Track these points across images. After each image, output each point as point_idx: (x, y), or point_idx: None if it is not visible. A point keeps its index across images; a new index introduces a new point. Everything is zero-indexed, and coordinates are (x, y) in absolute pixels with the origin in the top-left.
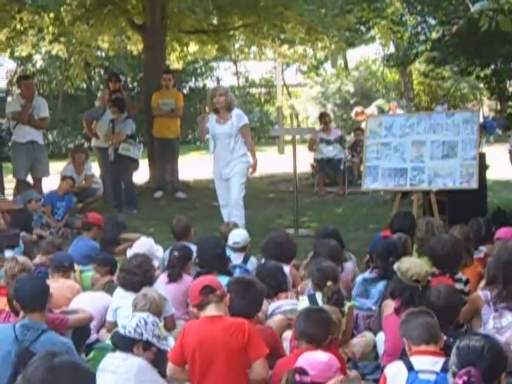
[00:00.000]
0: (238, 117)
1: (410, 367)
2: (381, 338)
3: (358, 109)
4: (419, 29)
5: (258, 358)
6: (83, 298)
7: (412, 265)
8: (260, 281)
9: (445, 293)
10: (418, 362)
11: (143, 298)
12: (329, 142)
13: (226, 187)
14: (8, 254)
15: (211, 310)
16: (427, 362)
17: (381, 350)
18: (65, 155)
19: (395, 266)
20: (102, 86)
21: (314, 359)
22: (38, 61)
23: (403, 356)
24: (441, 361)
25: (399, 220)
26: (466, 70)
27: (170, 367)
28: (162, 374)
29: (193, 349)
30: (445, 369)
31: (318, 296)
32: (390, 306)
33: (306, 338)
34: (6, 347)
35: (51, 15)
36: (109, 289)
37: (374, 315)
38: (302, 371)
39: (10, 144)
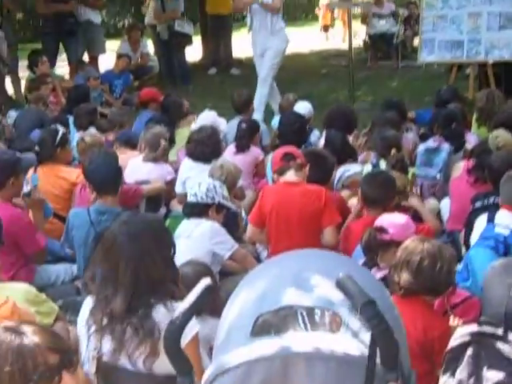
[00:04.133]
0: None
1: (490, 219)
2: (445, 204)
3: None
4: None
5: (330, 224)
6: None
7: (504, 135)
8: (329, 151)
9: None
10: (500, 216)
11: (220, 168)
12: (382, 16)
13: None
14: (92, 130)
15: (290, 176)
16: (508, 218)
17: (445, 215)
18: (114, 34)
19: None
20: None
21: (393, 219)
22: None
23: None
24: None
25: (445, 94)
26: None
27: (249, 229)
28: (235, 239)
29: (270, 210)
30: None
31: (382, 164)
32: (459, 168)
33: (371, 200)
34: (83, 232)
35: None
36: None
37: (439, 183)
38: (383, 230)
39: None
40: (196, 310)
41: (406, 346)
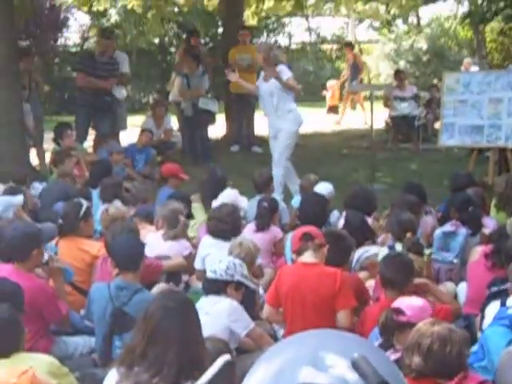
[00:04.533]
0: (280, 72)
1: (503, 303)
2: (462, 288)
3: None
4: None
5: (345, 308)
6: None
7: None
8: (348, 231)
9: None
10: None
11: (239, 246)
12: (403, 99)
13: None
14: (116, 203)
15: (308, 257)
16: None
17: (462, 300)
18: (139, 110)
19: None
20: (174, 41)
21: (410, 302)
22: (113, 15)
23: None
24: None
25: (461, 179)
26: None
27: (266, 309)
28: (252, 317)
29: (286, 291)
30: None
31: (398, 246)
32: (476, 252)
33: (389, 282)
34: (102, 306)
35: None
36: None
37: (456, 268)
38: (399, 311)
39: None
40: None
41: None
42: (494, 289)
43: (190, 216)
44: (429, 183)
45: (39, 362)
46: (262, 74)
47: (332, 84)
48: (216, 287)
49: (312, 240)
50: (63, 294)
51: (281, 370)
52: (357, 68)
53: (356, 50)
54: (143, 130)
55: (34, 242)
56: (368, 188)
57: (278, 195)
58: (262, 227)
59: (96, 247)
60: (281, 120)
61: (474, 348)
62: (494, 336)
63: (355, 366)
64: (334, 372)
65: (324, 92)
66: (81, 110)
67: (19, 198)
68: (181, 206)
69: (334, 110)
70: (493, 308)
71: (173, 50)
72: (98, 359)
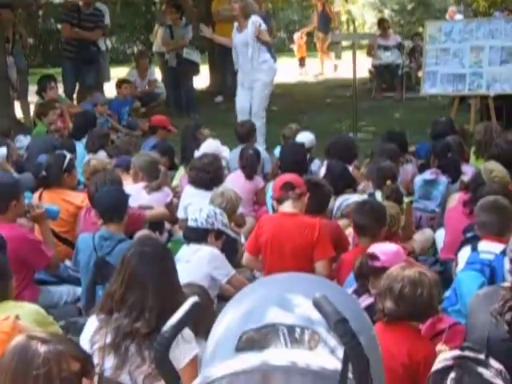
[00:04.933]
0: (253, 24)
1: (474, 248)
2: (440, 234)
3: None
4: None
5: (323, 258)
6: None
7: (498, 168)
8: (329, 180)
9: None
10: (483, 245)
11: (221, 195)
12: (387, 48)
13: (249, 96)
14: (102, 154)
15: (288, 207)
16: (490, 246)
17: (439, 245)
18: (123, 61)
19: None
20: None
21: (385, 247)
22: None
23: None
24: (503, 247)
25: (441, 126)
26: None
27: (245, 256)
28: (233, 265)
29: (266, 240)
30: (504, 252)
31: (378, 194)
32: (454, 199)
33: (360, 228)
34: (87, 256)
35: None
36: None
37: (437, 217)
38: (374, 257)
39: None
40: (184, 324)
41: (380, 365)
42: (469, 234)
43: (173, 167)
44: (411, 131)
45: (26, 311)
46: (236, 24)
47: (298, 36)
48: (197, 235)
49: (293, 189)
50: (50, 238)
51: (249, 311)
52: (327, 17)
53: None
54: (121, 82)
55: (12, 192)
56: (348, 136)
57: (260, 145)
58: (250, 175)
59: (80, 198)
60: (256, 71)
61: (448, 293)
62: (465, 280)
63: (316, 304)
64: (298, 311)
65: (292, 45)
66: (67, 62)
67: (3, 150)
68: (157, 155)
69: (302, 62)
70: (465, 253)
71: (157, 0)
72: (83, 308)
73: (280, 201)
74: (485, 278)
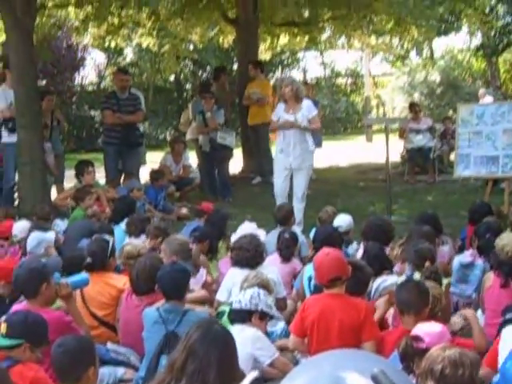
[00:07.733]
0: (308, 108)
1: None
2: (480, 314)
3: None
4: (509, 19)
5: (371, 339)
6: None
7: (509, 241)
8: (366, 262)
9: None
10: None
11: (254, 274)
12: (419, 131)
13: (288, 178)
14: (142, 238)
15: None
16: None
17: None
18: (156, 146)
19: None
20: (190, 78)
21: (429, 328)
22: (129, 54)
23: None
24: None
25: (479, 208)
26: None
27: (291, 339)
28: None
29: (312, 321)
30: None
31: (417, 276)
32: (490, 278)
33: (404, 307)
34: (153, 329)
35: (148, 10)
36: None
37: (474, 302)
38: (418, 338)
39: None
40: None
41: None
42: (509, 315)
43: (213, 251)
44: (445, 214)
45: None
46: (282, 105)
47: None
48: (241, 317)
49: (340, 279)
50: (79, 316)
51: None
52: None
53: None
54: (155, 173)
55: (41, 276)
56: (384, 218)
57: (298, 228)
58: (287, 257)
59: (122, 281)
60: (304, 154)
61: (496, 379)
62: None
63: (375, 379)
64: None
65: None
66: (109, 148)
67: (51, 235)
68: (185, 237)
69: None
70: (508, 332)
71: (188, 86)
72: (145, 376)
73: (329, 287)
74: None
